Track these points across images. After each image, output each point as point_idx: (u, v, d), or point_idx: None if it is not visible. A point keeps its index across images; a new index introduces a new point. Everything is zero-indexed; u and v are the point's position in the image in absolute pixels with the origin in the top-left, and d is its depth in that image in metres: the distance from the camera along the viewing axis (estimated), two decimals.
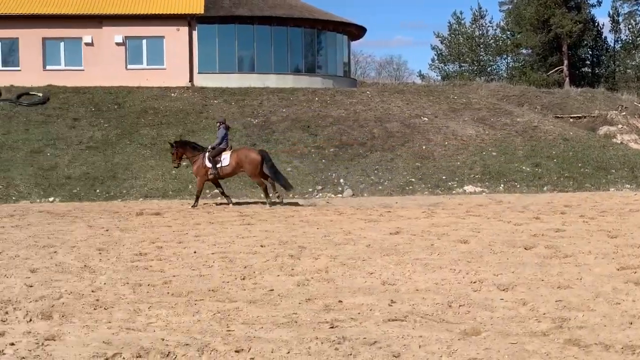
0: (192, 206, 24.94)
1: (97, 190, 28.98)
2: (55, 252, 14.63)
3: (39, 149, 32.29)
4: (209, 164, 25.07)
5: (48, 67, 39.93)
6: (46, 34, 39.84)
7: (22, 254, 14.35)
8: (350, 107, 37.63)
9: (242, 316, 8.90)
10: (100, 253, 14.42)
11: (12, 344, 7.65)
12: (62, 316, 8.95)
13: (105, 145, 32.90)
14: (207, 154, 25.26)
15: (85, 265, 12.82)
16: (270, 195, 25.20)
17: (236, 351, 7.33)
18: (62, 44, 40.28)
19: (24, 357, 7.20)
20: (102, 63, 39.81)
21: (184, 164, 27.43)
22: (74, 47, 40.18)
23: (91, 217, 22.23)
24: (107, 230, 18.46)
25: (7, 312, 9.14)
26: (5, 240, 16.73)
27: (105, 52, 40.04)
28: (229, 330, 8.20)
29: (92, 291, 10.48)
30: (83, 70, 39.84)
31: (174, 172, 30.54)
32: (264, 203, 25.43)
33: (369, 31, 74.87)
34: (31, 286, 10.92)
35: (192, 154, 25.65)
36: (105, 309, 9.35)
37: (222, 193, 26.18)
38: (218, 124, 26.56)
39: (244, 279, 11.38)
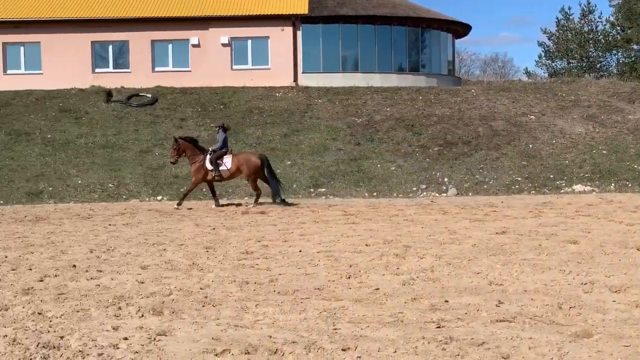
0: (177, 204, 25.43)
1: (204, 190, 29.43)
2: (164, 249, 14.97)
3: (148, 149, 32.98)
4: (210, 167, 25.31)
5: (156, 69, 40.68)
6: (155, 36, 40.59)
7: (133, 252, 14.71)
8: (455, 106, 37.29)
9: (348, 315, 8.92)
10: (207, 251, 14.65)
11: (126, 339, 7.83)
12: (172, 312, 9.12)
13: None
14: (208, 156, 25.44)
15: (193, 263, 13.05)
16: (258, 201, 25.68)
17: (343, 349, 7.35)
18: (170, 45, 40.97)
19: (137, 352, 7.36)
20: (208, 64, 40.34)
21: (182, 163, 27.60)
22: (181, 49, 40.82)
23: (198, 215, 22.69)
24: (213, 229, 18.76)
25: (120, 308, 9.37)
26: (117, 237, 17.16)
27: (211, 53, 40.57)
28: (335, 329, 8.23)
29: (201, 288, 10.65)
30: (190, 71, 40.46)
31: (279, 171, 30.76)
32: (257, 203, 25.71)
33: (474, 28, 74.09)
34: (142, 283, 11.18)
35: (193, 154, 25.74)
36: (213, 306, 9.50)
37: (214, 195, 26.16)
38: (217, 127, 26.93)
39: (349, 277, 11.40)
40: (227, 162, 25.35)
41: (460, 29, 47.13)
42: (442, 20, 44.51)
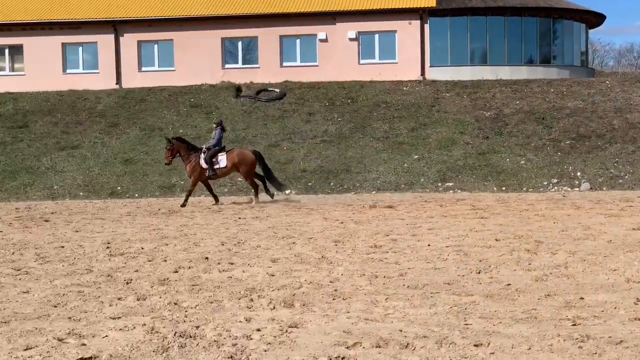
0: (181, 205, 24.93)
1: (331, 183, 29.58)
2: (293, 243, 15.13)
3: (276, 143, 33.37)
4: (204, 165, 25.23)
5: (284, 64, 41.11)
6: (283, 32, 41.02)
7: (263, 245, 14.92)
8: (588, 98, 36.38)
9: (479, 310, 8.81)
10: (336, 245, 14.70)
11: (259, 330, 7.94)
12: (303, 305, 9.20)
13: (338, 139, 33.51)
14: (202, 154, 25.35)
15: (322, 257, 13.14)
16: (258, 195, 25.73)
17: (475, 345, 7.26)
18: (297, 41, 41.33)
19: (269, 343, 7.45)
20: (336, 58, 40.51)
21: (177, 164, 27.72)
22: (309, 44, 41.20)
23: (326, 209, 22.82)
24: (342, 223, 18.81)
25: (252, 300, 9.51)
26: (247, 231, 17.43)
27: (338, 47, 40.72)
28: (467, 324, 8.14)
29: (330, 282, 10.70)
30: (317, 66, 40.72)
31: (405, 165, 30.69)
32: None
33: (608, 17, 72.12)
34: (273, 275, 11.32)
35: (186, 153, 25.56)
36: (343, 299, 9.53)
37: (211, 192, 26.08)
38: (215, 125, 26.45)
39: (479, 272, 11.26)
40: (222, 160, 25.45)
41: (593, 19, 45.87)
42: (575, 10, 43.46)
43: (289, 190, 28.37)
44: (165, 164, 26.96)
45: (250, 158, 25.72)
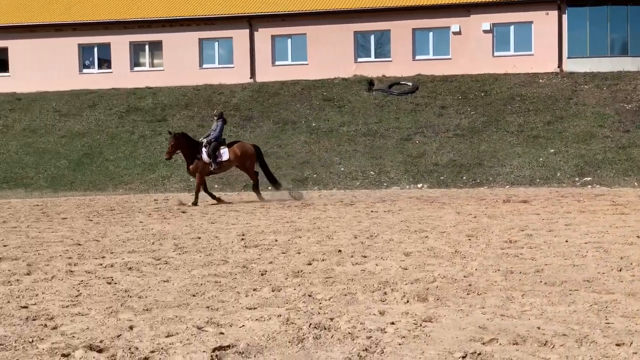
0: (193, 204, 24.32)
1: (464, 177, 29.29)
2: (426, 237, 15.01)
3: (408, 137, 33.25)
4: (207, 159, 24.67)
5: (417, 57, 40.86)
6: (416, 24, 40.78)
7: (396, 238, 14.87)
8: None
9: (621, 309, 8.53)
10: (469, 239, 14.54)
11: (393, 323, 7.89)
12: (437, 299, 9.10)
13: (471, 132, 33.15)
14: (204, 148, 24.76)
15: (456, 251, 12.99)
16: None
17: (617, 345, 7.02)
18: (430, 34, 41.01)
19: (404, 337, 7.39)
20: (469, 51, 40.03)
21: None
22: (442, 37, 40.84)
23: (458, 203, 22.56)
24: (475, 217, 18.60)
25: (385, 293, 9.47)
26: (379, 224, 17.42)
27: (472, 40, 40.22)
28: (608, 323, 7.89)
29: (464, 276, 10.56)
30: (450, 59, 40.34)
31: (541, 159, 30.09)
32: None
33: None
34: (406, 269, 11.24)
35: (189, 151, 24.79)
36: (478, 294, 9.38)
37: (206, 190, 25.42)
38: (216, 117, 25.78)
39: (620, 270, 10.91)
40: (224, 153, 24.96)
41: None
42: None
43: (421, 184, 28.14)
44: (165, 158, 26.56)
45: (252, 151, 25.57)
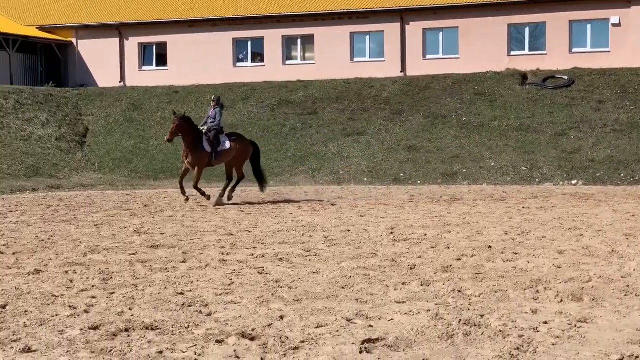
0: (216, 204, 22.20)
1: (622, 174, 28.39)
2: (581, 235, 14.60)
3: (563, 132, 32.46)
4: (208, 148, 22.32)
5: (574, 50, 39.73)
6: (573, 16, 39.59)
7: (549, 235, 14.52)
8: None
9: None
10: (627, 238, 14.04)
11: (546, 323, 7.69)
12: (593, 299, 8.83)
13: (630, 128, 32.07)
14: (204, 137, 22.35)
15: (613, 250, 12.56)
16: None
17: None
18: (588, 26, 39.80)
19: (557, 337, 7.19)
20: (630, 43, 38.57)
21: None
22: (601, 29, 39.41)
23: (616, 201, 21.88)
24: (633, 216, 17.94)
25: (538, 291, 9.24)
26: (531, 221, 17.08)
27: (632, 32, 38.72)
28: None
29: (622, 277, 10.21)
30: (609, 51, 39.02)
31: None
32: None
33: None
34: (560, 267, 10.96)
35: (190, 137, 22.14)
36: (636, 295, 9.06)
37: (185, 188, 22.51)
38: (213, 103, 23.13)
39: None
40: (226, 142, 22.83)
41: None
42: None
43: (575, 180, 27.43)
44: (166, 139, 23.17)
45: (250, 148, 23.55)
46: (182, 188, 22.09)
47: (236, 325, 7.80)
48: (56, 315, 8.32)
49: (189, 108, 38.93)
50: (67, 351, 6.96)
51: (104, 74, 44.44)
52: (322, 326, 7.71)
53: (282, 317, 8.12)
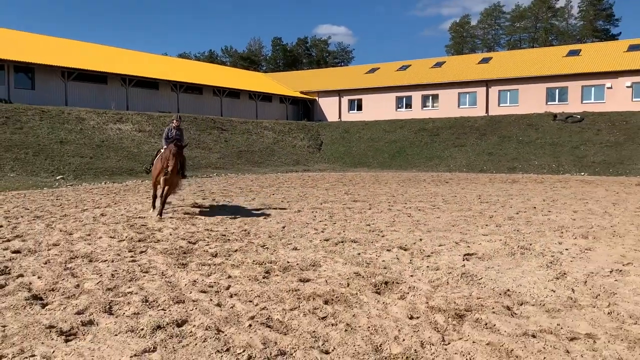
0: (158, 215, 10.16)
1: (611, 170, 25.82)
2: (586, 202, 13.22)
3: (577, 146, 29.89)
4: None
5: (584, 102, 35.87)
6: (584, 83, 35.79)
7: (568, 202, 13.28)
8: None
9: None
10: (614, 205, 12.62)
11: (567, 249, 7.24)
12: (594, 238, 8.15)
13: (616, 145, 29.09)
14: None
15: (605, 212, 11.36)
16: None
17: None
18: (592, 88, 35.61)
19: (573, 257, 6.78)
20: (617, 98, 34.31)
21: None
22: (600, 90, 35.07)
23: (607, 185, 19.56)
24: (617, 193, 16.08)
25: (562, 232, 8.61)
26: (558, 194, 15.71)
27: (619, 92, 34.43)
28: None
29: (610, 226, 9.34)
30: (605, 102, 34.93)
31: None
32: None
33: None
34: (574, 220, 10.11)
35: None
36: (619, 236, 8.28)
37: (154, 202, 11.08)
38: (175, 123, 10.96)
39: None
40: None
41: None
42: None
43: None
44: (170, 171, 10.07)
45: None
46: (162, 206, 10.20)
47: (397, 242, 7.87)
48: (308, 233, 8.59)
49: (366, 133, 38.56)
50: (315, 247, 7.28)
51: (330, 115, 45.06)
52: (442, 245, 7.66)
53: (420, 240, 8.11)
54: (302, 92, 46.43)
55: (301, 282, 5.56)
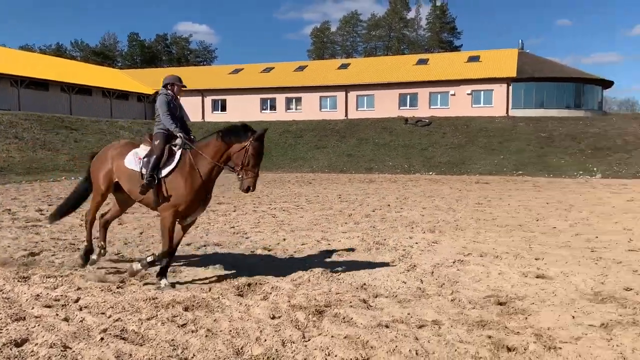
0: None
1: (454, 169, 28.49)
2: (435, 199, 14.35)
3: (425, 148, 32.45)
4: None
5: (431, 107, 38.74)
6: (431, 91, 38.66)
7: (418, 199, 14.27)
8: (602, 127, 32.87)
9: (537, 240, 8.26)
10: (457, 201, 13.82)
11: (417, 243, 7.84)
12: (440, 232, 8.89)
13: (459, 147, 32.13)
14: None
15: (449, 208, 12.44)
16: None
17: (535, 259, 6.85)
18: (439, 95, 38.77)
19: (422, 250, 7.36)
20: (459, 105, 37.76)
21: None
22: (445, 97, 38.46)
23: (452, 182, 21.39)
24: (460, 190, 17.66)
25: (412, 228, 9.33)
26: (409, 192, 16.76)
27: (460, 99, 37.89)
28: (531, 247, 7.65)
29: (454, 220, 10.30)
30: (449, 108, 38.15)
31: (495, 161, 29.07)
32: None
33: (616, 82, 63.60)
34: (423, 215, 10.92)
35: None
36: (461, 230, 9.15)
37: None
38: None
39: (537, 220, 10.47)
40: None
41: (606, 83, 41.03)
42: (595, 79, 39.26)
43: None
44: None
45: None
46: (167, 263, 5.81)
47: (262, 243, 7.89)
48: None
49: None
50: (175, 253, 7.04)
51: (193, 115, 43.64)
52: (304, 244, 7.83)
53: (284, 239, 8.21)
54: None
55: (159, 289, 5.31)
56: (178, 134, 5.54)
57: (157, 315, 4.52)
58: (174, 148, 5.55)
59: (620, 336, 4.05)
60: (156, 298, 4.98)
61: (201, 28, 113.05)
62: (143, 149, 5.73)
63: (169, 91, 5.86)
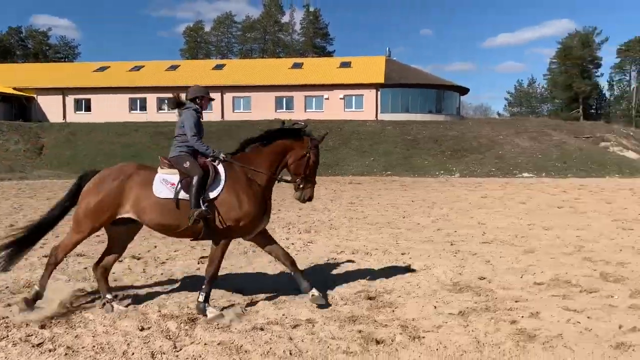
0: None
1: (329, 171, 29.31)
2: None
3: None
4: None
5: (307, 110, 39.11)
6: (307, 94, 39.34)
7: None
8: (461, 130, 35.97)
9: (404, 236, 8.70)
10: (331, 201, 14.19)
11: (293, 244, 7.92)
12: (316, 232, 9.07)
13: (333, 149, 33.12)
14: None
15: (324, 207, 12.78)
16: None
17: (402, 254, 7.23)
18: (314, 99, 39.44)
19: (298, 250, 7.43)
20: (332, 109, 38.75)
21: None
22: (319, 101, 39.24)
23: (329, 184, 21.89)
24: (334, 191, 18.12)
25: (289, 229, 9.45)
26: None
27: (333, 103, 39.00)
28: (398, 243, 8.04)
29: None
30: (323, 111, 38.86)
31: (367, 162, 30.37)
32: None
33: (471, 90, 70.38)
34: (298, 216, 11.15)
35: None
36: (335, 229, 9.42)
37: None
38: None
39: (404, 217, 11.00)
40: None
41: (463, 90, 44.92)
42: (453, 86, 42.75)
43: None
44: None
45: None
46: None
47: (130, 252, 7.44)
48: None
49: (96, 136, 35.72)
50: (32, 265, 6.36)
51: (53, 115, 40.18)
52: (177, 250, 7.53)
53: (155, 247, 7.84)
54: (16, 89, 40.24)
55: (10, 307, 4.76)
56: (220, 157, 4.79)
57: (8, 336, 4.07)
58: (214, 164, 4.73)
59: (475, 322, 4.42)
60: (7, 317, 4.47)
61: (62, 22, 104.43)
62: (171, 173, 4.64)
63: (198, 106, 4.92)
